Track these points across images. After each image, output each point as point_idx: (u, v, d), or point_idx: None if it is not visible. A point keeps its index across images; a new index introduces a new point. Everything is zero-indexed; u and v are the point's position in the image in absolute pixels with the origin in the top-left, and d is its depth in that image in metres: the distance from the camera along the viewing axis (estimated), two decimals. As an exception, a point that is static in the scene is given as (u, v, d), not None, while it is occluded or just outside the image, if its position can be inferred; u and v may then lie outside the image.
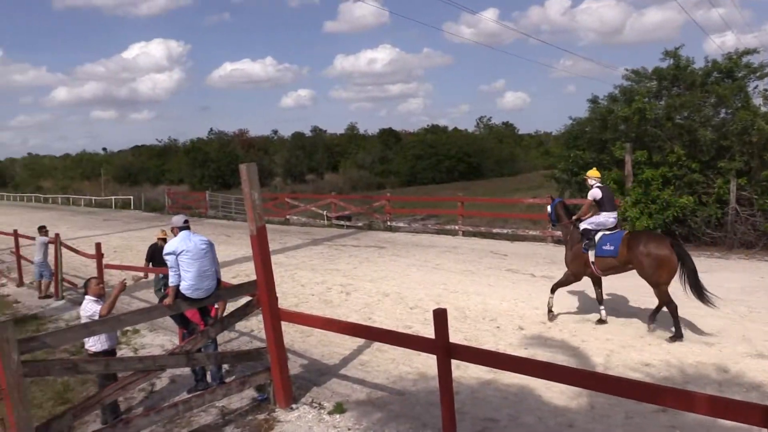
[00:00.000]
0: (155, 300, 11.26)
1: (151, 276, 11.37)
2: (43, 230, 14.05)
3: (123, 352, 8.69)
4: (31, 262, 14.38)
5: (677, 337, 8.09)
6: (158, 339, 9.47)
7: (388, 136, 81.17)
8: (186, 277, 6.33)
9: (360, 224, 22.31)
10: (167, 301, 6.26)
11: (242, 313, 6.74)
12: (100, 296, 6.65)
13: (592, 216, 8.98)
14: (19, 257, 15.80)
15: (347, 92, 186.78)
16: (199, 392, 6.52)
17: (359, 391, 6.97)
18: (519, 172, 67.58)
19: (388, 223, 21.56)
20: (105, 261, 12.26)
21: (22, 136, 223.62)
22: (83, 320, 6.46)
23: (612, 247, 8.55)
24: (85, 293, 6.67)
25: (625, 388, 4.31)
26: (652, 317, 8.47)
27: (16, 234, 16.17)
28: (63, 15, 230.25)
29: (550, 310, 9.34)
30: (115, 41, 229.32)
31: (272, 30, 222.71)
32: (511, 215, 20.47)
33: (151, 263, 11.06)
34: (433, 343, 5.18)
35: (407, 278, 12.50)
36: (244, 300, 7.06)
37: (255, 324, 9.52)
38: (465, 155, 66.95)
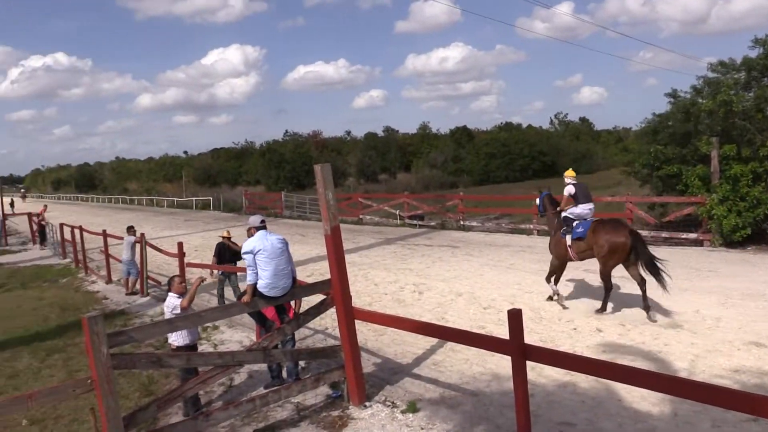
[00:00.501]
0: (230, 297, 11.56)
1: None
2: (131, 230, 14.43)
3: (204, 347, 8.80)
4: (119, 261, 14.71)
5: (602, 310, 9.32)
6: (237, 335, 9.58)
7: (461, 134, 79.44)
8: (263, 276, 6.35)
9: (433, 224, 22.15)
10: (245, 298, 6.32)
11: (317, 311, 6.78)
12: (183, 294, 6.78)
13: (570, 208, 10.08)
14: (107, 256, 16.17)
15: (419, 91, 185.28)
16: (275, 388, 6.55)
17: (432, 391, 6.87)
18: (596, 169, 64.96)
19: (461, 223, 21.27)
20: (186, 260, 12.49)
21: (110, 141, 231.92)
22: (167, 316, 6.65)
23: (582, 230, 9.63)
24: (169, 290, 6.86)
25: (712, 395, 4.07)
26: (645, 305, 9.02)
27: (104, 234, 16.64)
28: (146, 25, 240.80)
29: (551, 297, 10.25)
30: (194, 48, 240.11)
31: (345, 32, 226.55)
32: (587, 214, 19.98)
33: (217, 261, 11.52)
34: (508, 344, 5.05)
35: (481, 278, 12.29)
36: (319, 298, 6.99)
37: (329, 322, 9.53)
38: (539, 153, 65.26)
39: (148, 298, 13.21)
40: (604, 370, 4.68)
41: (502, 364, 7.04)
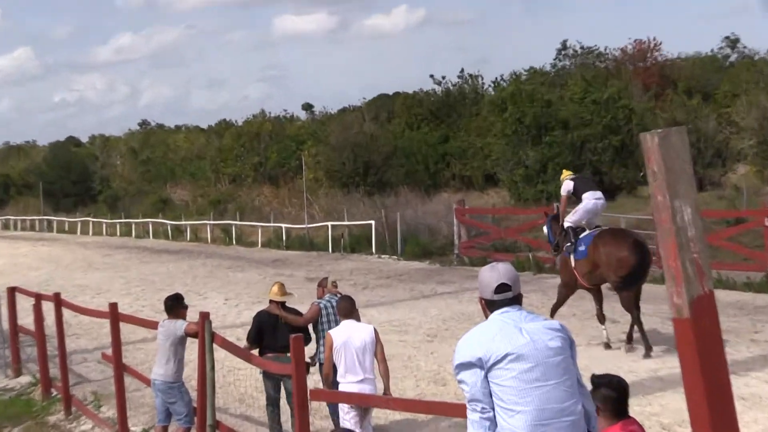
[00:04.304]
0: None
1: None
2: (176, 306, 9.93)
3: None
4: (146, 383, 10.47)
5: (642, 348, 11.89)
6: None
7: None
8: (510, 425, 4.69)
9: None
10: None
11: None
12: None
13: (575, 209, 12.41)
14: (119, 369, 10.92)
15: None
16: None
17: None
18: None
19: None
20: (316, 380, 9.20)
21: (125, 84, 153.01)
22: None
23: (584, 248, 11.86)
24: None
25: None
26: (645, 343, 11.74)
27: (114, 313, 10.87)
28: None
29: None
30: None
31: None
32: None
33: (258, 348, 9.95)
34: None
35: None
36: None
37: None
38: None
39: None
40: None
41: None
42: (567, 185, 12.62)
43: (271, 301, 10.34)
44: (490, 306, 4.97)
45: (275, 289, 10.37)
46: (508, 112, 41.21)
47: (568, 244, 12.15)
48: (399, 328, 15.39)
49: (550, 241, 13.16)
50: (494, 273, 5.03)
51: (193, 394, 9.80)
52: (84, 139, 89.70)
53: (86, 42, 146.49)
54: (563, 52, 59.46)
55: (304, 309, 10.39)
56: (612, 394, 5.77)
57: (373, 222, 29.84)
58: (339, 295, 10.00)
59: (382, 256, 28.04)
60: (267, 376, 10.08)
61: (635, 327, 11.86)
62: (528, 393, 4.76)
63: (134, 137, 78.35)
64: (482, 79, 59.04)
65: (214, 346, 9.25)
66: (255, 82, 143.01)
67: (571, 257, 12.06)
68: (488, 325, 4.91)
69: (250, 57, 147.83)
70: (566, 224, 12.38)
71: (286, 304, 10.39)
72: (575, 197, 12.44)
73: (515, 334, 4.85)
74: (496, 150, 43.02)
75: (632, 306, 11.55)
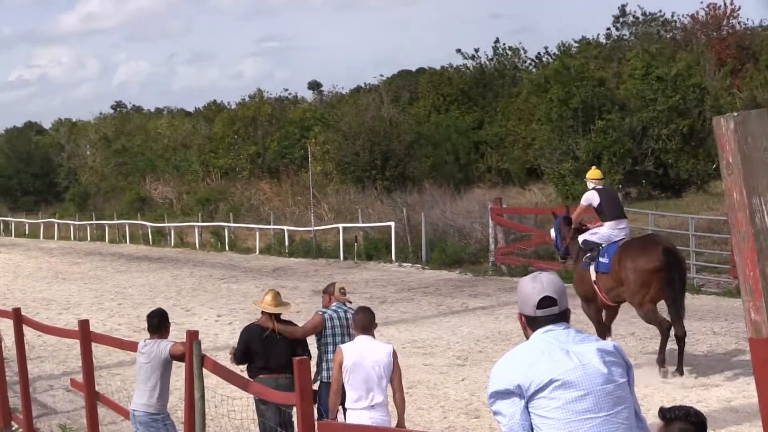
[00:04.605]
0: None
1: None
2: (160, 327, 9.05)
3: None
4: (124, 414, 9.65)
5: (678, 371, 11.18)
6: None
7: None
8: None
9: None
10: None
11: None
12: None
13: (595, 227, 11.98)
14: (92, 398, 10.06)
15: None
16: None
17: None
18: None
19: None
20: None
21: (96, 59, 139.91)
22: None
23: (607, 260, 11.34)
24: None
25: None
26: (660, 357, 11.23)
27: (84, 332, 10.04)
28: None
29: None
30: None
31: None
32: None
33: (246, 366, 9.27)
34: None
35: None
36: None
37: None
38: None
39: None
40: None
41: None
42: (592, 197, 11.80)
43: (263, 313, 9.32)
44: (531, 323, 4.62)
45: (268, 298, 9.30)
46: (552, 92, 37.05)
47: (588, 254, 11.59)
48: (424, 350, 14.63)
49: (556, 246, 12.62)
50: (537, 284, 4.66)
51: (180, 427, 9.03)
52: (47, 125, 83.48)
53: (49, 8, 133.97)
54: (621, 20, 53.38)
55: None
56: (690, 428, 5.32)
57: (392, 224, 27.90)
58: (348, 305, 9.24)
59: (404, 264, 26.38)
60: (263, 400, 9.15)
61: (666, 340, 11.33)
62: (576, 426, 4.44)
63: (107, 122, 71.78)
64: (524, 52, 54.07)
65: (204, 370, 8.43)
66: (250, 57, 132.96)
67: (591, 269, 11.43)
68: (529, 346, 4.59)
69: (245, 26, 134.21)
70: (581, 239, 11.92)
71: (282, 317, 9.41)
72: (596, 212, 11.94)
73: (561, 357, 4.51)
74: (540, 138, 38.84)
75: (656, 317, 11.03)
